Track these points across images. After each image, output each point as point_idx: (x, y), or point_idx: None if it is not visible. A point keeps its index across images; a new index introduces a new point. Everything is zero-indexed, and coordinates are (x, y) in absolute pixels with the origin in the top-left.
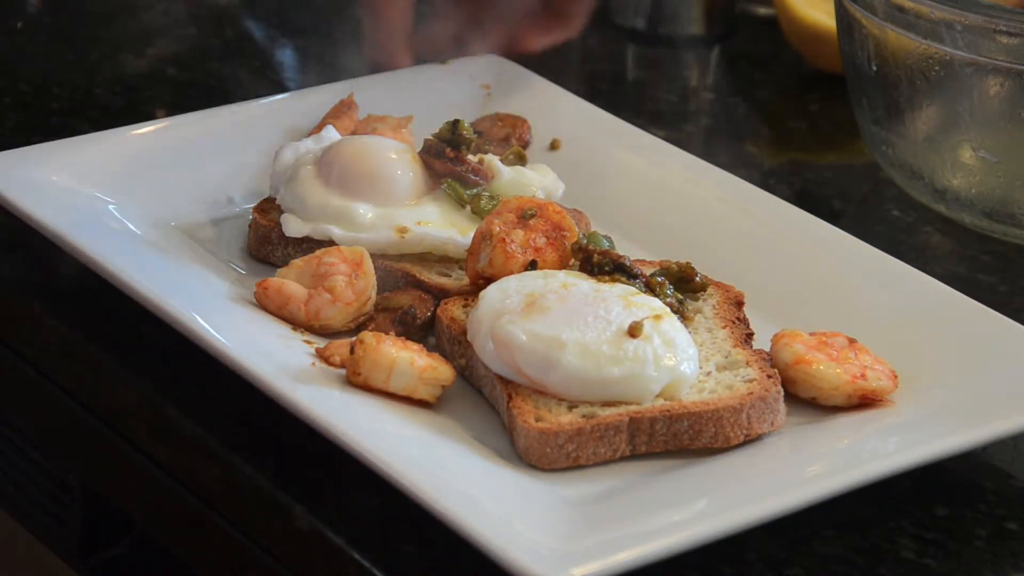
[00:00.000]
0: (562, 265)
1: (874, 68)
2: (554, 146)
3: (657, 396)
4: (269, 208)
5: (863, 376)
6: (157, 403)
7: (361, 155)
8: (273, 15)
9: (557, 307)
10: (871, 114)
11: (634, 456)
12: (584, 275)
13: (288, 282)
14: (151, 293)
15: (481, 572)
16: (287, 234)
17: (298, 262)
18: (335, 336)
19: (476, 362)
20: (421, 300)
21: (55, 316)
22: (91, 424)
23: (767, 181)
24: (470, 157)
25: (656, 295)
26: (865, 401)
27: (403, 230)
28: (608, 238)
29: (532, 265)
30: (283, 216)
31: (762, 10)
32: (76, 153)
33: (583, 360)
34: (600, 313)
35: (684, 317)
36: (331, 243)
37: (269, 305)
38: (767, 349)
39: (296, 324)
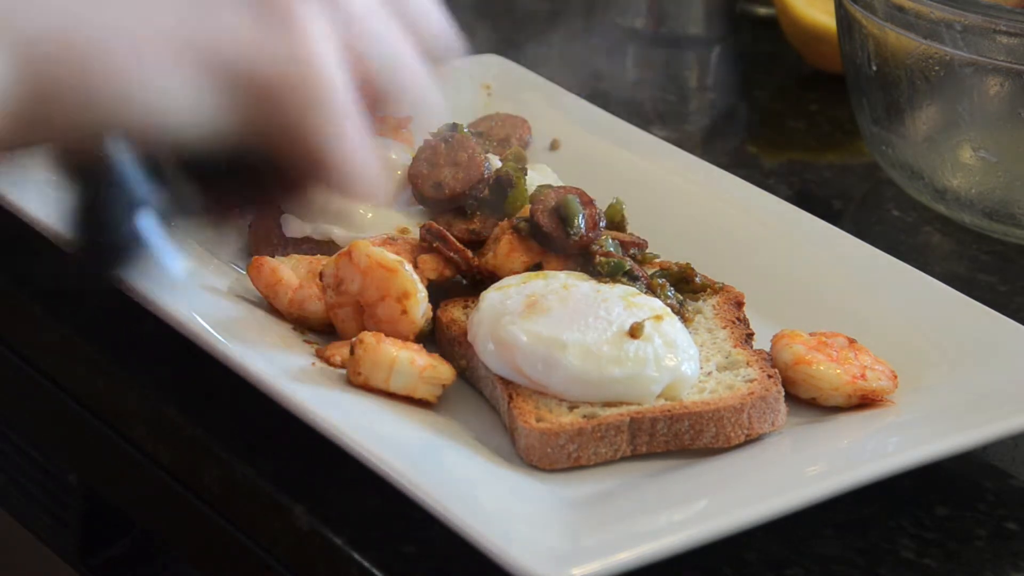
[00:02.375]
0: (566, 266)
1: (874, 68)
2: (554, 146)
3: (658, 396)
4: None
5: (863, 376)
6: (157, 403)
7: None
8: None
9: (558, 308)
10: (871, 114)
11: (635, 456)
12: (585, 276)
13: (283, 267)
14: (151, 293)
15: (481, 572)
16: (287, 234)
17: (300, 257)
18: (312, 330)
19: (477, 363)
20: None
21: (55, 316)
22: (91, 424)
23: (767, 181)
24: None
25: (656, 296)
26: (865, 401)
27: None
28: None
29: (537, 266)
30: (283, 216)
31: (762, 10)
32: None
33: (584, 361)
34: (601, 314)
35: (684, 318)
36: (331, 243)
37: (258, 282)
38: (767, 349)
39: (278, 308)
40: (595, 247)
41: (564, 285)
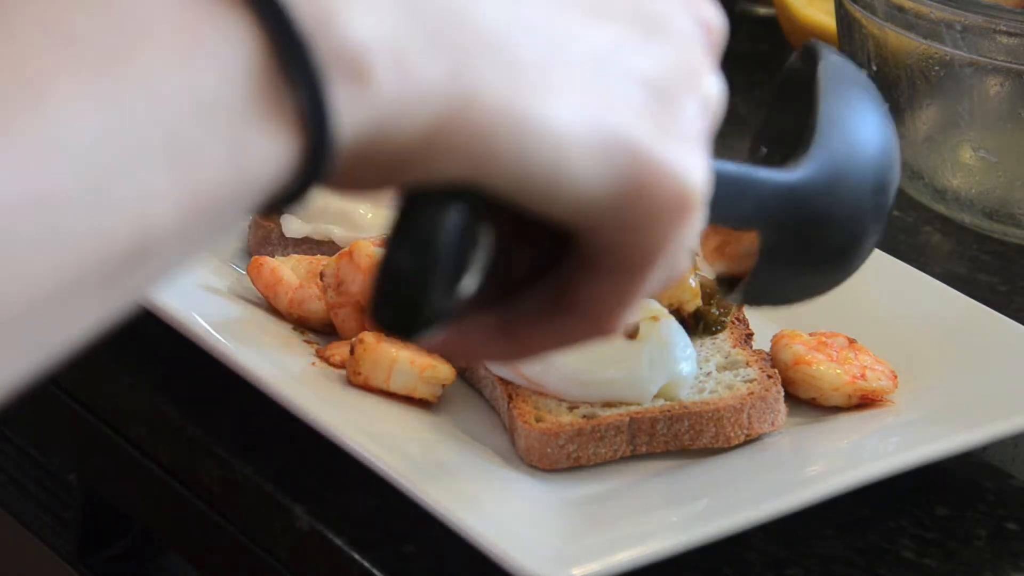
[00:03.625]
0: None
1: (874, 68)
2: None
3: (657, 396)
4: None
5: (863, 376)
6: (157, 403)
7: None
8: None
9: None
10: None
11: (635, 456)
12: None
13: (283, 267)
14: (151, 293)
15: (481, 572)
16: (287, 234)
17: (300, 257)
18: (312, 330)
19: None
20: None
21: None
22: (91, 424)
23: None
24: None
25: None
26: (865, 401)
27: None
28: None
29: None
30: (283, 216)
31: (762, 10)
32: None
33: (581, 361)
34: None
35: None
36: (331, 243)
37: (258, 282)
38: (767, 349)
39: (278, 308)
40: None
41: None
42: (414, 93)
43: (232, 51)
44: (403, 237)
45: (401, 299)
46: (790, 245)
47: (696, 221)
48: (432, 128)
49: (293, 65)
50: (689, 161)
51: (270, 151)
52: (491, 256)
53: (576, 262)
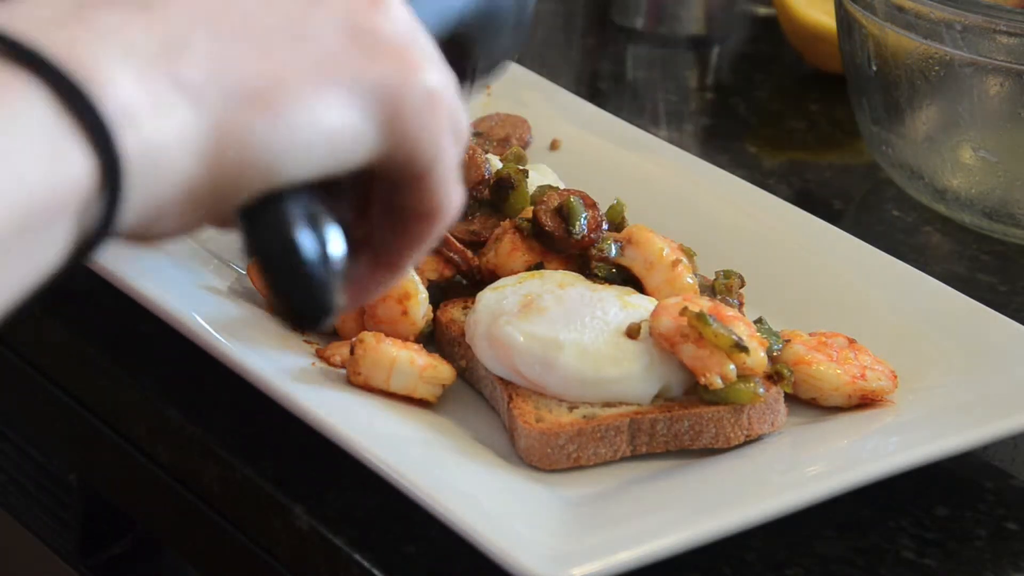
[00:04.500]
0: (567, 267)
1: (874, 68)
2: (554, 146)
3: (657, 396)
4: None
5: (863, 376)
6: (157, 403)
7: None
8: None
9: (554, 308)
10: (871, 114)
11: (634, 456)
12: (580, 276)
13: None
14: (151, 293)
15: (481, 572)
16: None
17: None
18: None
19: (476, 363)
20: None
21: (55, 316)
22: (91, 424)
23: (767, 181)
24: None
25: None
26: (865, 401)
27: None
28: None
29: (538, 266)
30: None
31: (762, 10)
32: None
33: (581, 361)
34: (597, 314)
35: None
36: None
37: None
38: None
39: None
40: (594, 250)
41: (560, 284)
42: (171, 132)
43: (33, 102)
44: (268, 254)
45: (307, 298)
46: (494, 23)
47: (452, 97)
48: (208, 160)
49: (77, 112)
50: (414, 66)
51: (74, 170)
52: (335, 219)
53: (392, 184)
